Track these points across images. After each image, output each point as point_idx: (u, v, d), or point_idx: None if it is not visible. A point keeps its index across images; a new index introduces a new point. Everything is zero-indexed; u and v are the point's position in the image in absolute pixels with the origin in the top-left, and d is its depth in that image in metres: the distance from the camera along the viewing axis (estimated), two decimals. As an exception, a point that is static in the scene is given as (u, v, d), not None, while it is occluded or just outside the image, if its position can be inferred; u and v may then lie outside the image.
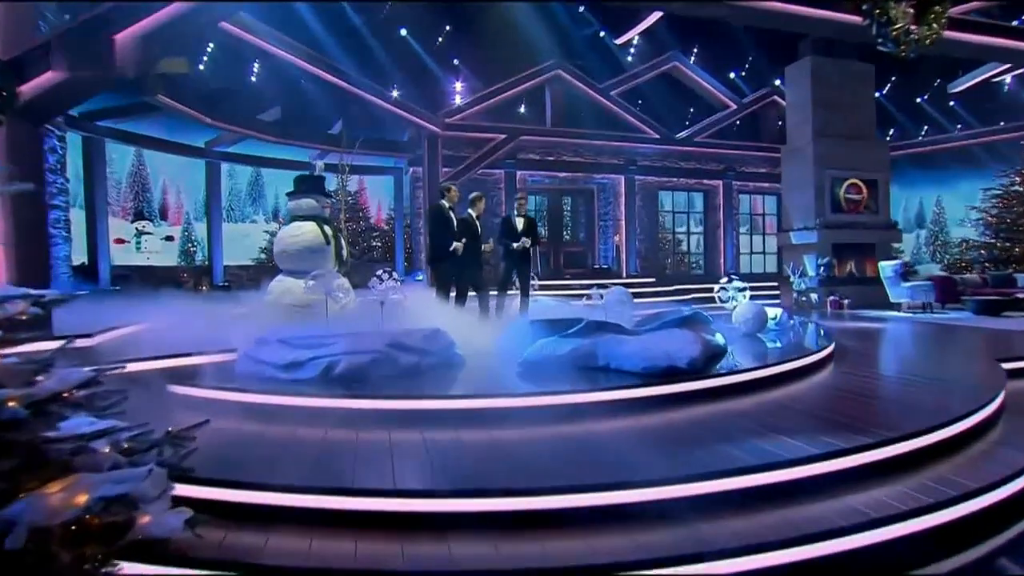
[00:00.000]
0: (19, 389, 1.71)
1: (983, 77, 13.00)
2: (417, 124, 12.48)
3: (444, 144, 12.93)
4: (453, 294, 6.22)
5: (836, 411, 3.70)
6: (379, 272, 4.69)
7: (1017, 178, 13.87)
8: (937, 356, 6.23)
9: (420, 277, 12.78)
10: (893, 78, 16.40)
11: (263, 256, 13.09)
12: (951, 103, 17.08)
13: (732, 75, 16.60)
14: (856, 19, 6.61)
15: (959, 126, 16.90)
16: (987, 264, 13.00)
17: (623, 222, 14.59)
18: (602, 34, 15.28)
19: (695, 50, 15.74)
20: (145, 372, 3.93)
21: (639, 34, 14.18)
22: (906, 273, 10.35)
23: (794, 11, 6.93)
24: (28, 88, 3.71)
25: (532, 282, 8.14)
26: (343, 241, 6.17)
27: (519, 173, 13.68)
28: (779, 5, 6.77)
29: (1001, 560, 2.53)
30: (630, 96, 14.91)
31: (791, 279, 11.63)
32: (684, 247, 15.89)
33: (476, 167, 12.88)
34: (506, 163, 13.47)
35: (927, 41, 6.22)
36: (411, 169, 13.71)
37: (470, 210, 6.24)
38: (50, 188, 7.66)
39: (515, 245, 6.29)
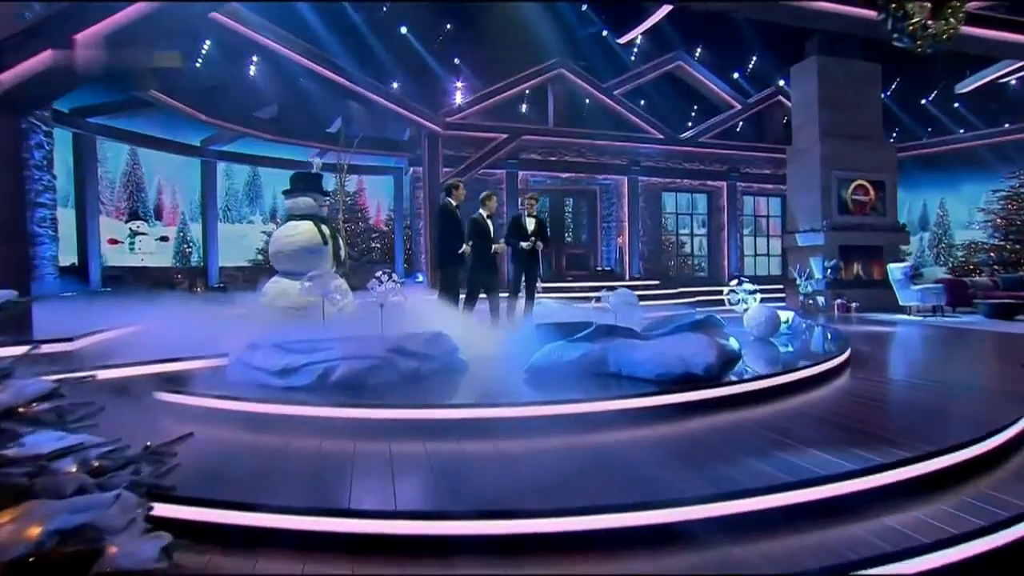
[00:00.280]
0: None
1: (991, 77, 12.84)
2: (417, 123, 12.28)
3: (445, 144, 12.73)
4: (463, 296, 5.98)
5: (861, 420, 3.50)
6: (378, 273, 4.48)
7: None
8: (957, 361, 6.04)
9: (420, 279, 12.57)
10: (898, 79, 16.24)
11: (260, 257, 12.87)
12: (956, 104, 16.93)
13: (736, 75, 16.43)
14: (870, 14, 6.44)
15: (962, 130, 16.75)
16: (996, 267, 12.82)
17: (626, 223, 14.39)
18: (605, 33, 15.11)
19: (698, 50, 15.57)
20: (130, 378, 3.71)
21: (642, 33, 14.02)
22: (914, 276, 10.17)
23: (806, 5, 6.74)
24: (6, 77, 3.50)
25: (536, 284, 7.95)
26: (341, 241, 5.96)
27: (521, 173, 13.48)
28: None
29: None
30: (633, 96, 14.74)
31: (797, 282, 11.44)
32: (688, 249, 15.69)
33: (477, 167, 12.69)
34: (508, 163, 13.28)
35: (944, 36, 6.05)
36: (411, 169, 13.50)
37: (481, 210, 6.02)
38: (36, 185, 7.45)
39: (523, 245, 6.07)
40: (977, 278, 11.17)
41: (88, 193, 10.17)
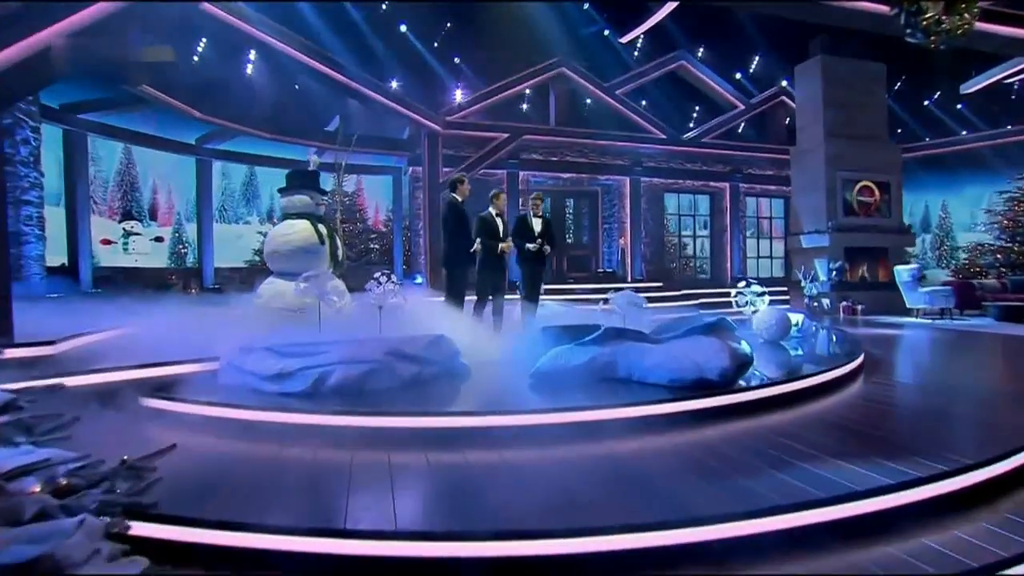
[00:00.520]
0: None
1: (997, 78, 12.73)
2: (417, 121, 12.11)
3: (445, 143, 12.57)
4: (472, 299, 5.76)
5: (883, 428, 3.34)
6: (377, 275, 4.30)
7: None
8: (973, 366, 5.88)
9: (419, 280, 12.40)
10: (901, 80, 16.12)
11: (256, 258, 12.68)
12: (958, 106, 16.83)
13: (738, 76, 16.29)
14: (882, 9, 6.29)
15: (964, 131, 16.65)
16: (1003, 269, 12.69)
17: (628, 225, 14.23)
18: (606, 32, 14.95)
19: (701, 50, 15.42)
20: (115, 384, 3.52)
21: (644, 33, 13.87)
22: (919, 278, 10.03)
23: (818, -1, 6.57)
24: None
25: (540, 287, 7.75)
26: (339, 241, 5.77)
27: (522, 174, 13.32)
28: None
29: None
30: (635, 95, 14.59)
31: (802, 284, 11.28)
32: (690, 251, 15.54)
33: (478, 167, 12.52)
34: (508, 163, 13.12)
35: (958, 32, 5.89)
36: (410, 169, 13.32)
37: (491, 208, 5.83)
38: (22, 182, 7.24)
39: (529, 246, 5.88)
40: (985, 280, 11.02)
41: (79, 192, 9.94)
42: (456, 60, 14.81)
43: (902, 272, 9.84)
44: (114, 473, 1.85)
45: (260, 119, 11.97)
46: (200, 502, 2.19)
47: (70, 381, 3.23)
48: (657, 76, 14.67)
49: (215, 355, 3.95)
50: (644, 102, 14.89)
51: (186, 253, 12.80)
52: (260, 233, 12.65)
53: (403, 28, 13.77)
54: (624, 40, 14.56)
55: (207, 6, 7.69)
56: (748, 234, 15.72)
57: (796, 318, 6.30)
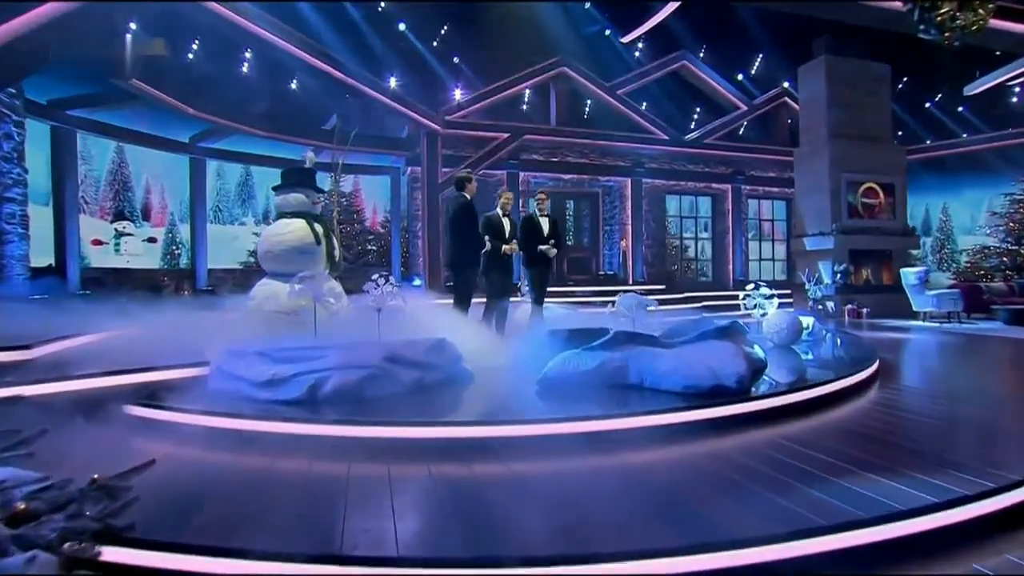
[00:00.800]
0: None
1: (1000, 80, 12.64)
2: (416, 120, 11.93)
3: (444, 143, 12.39)
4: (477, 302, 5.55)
5: (912, 438, 3.17)
6: (375, 276, 4.11)
7: None
8: (991, 371, 5.73)
9: (417, 282, 12.21)
10: (903, 81, 16.02)
11: (251, 259, 12.46)
12: (959, 108, 16.75)
13: (740, 76, 16.17)
14: (895, 5, 6.14)
15: (965, 134, 16.57)
16: (1009, 272, 12.57)
17: (629, 227, 14.07)
18: (608, 32, 14.81)
19: (703, 50, 15.29)
20: (97, 390, 3.31)
21: (646, 33, 13.73)
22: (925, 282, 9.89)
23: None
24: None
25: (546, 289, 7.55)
26: (335, 241, 5.56)
27: (522, 174, 13.15)
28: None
29: None
30: (637, 96, 14.42)
31: (806, 287, 11.12)
32: (691, 253, 15.38)
33: (478, 167, 12.33)
34: (509, 163, 12.94)
35: (973, 28, 5.75)
36: (409, 169, 13.14)
37: (498, 209, 5.63)
38: (4, 179, 7.00)
39: (542, 249, 5.68)
40: (992, 283, 10.89)
41: (67, 190, 9.66)
42: (455, 60, 14.64)
43: (909, 275, 9.70)
44: (82, 494, 1.65)
45: (256, 117, 11.75)
46: (181, 524, 2.00)
47: (44, 389, 3.03)
48: (659, 76, 14.53)
49: (205, 360, 3.75)
50: (645, 103, 14.73)
51: (180, 254, 12.55)
52: (255, 234, 12.42)
53: (402, 27, 13.59)
54: (625, 40, 14.42)
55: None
56: (749, 236, 15.59)
57: (807, 321, 6.13)
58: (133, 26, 7.76)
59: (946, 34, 5.74)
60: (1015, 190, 13.80)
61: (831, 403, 3.84)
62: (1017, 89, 14.90)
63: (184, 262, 12.57)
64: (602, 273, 13.98)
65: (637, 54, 15.25)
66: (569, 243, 14.81)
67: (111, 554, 1.77)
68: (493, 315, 5.48)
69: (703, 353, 3.70)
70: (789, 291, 12.37)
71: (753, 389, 3.65)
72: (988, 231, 14.81)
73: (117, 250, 11.47)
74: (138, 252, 11.80)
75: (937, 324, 9.22)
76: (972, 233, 17.94)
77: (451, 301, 5.61)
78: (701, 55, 15.18)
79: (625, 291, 5.35)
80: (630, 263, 13.92)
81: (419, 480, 2.52)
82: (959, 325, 9.03)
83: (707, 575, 1.78)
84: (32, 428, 1.88)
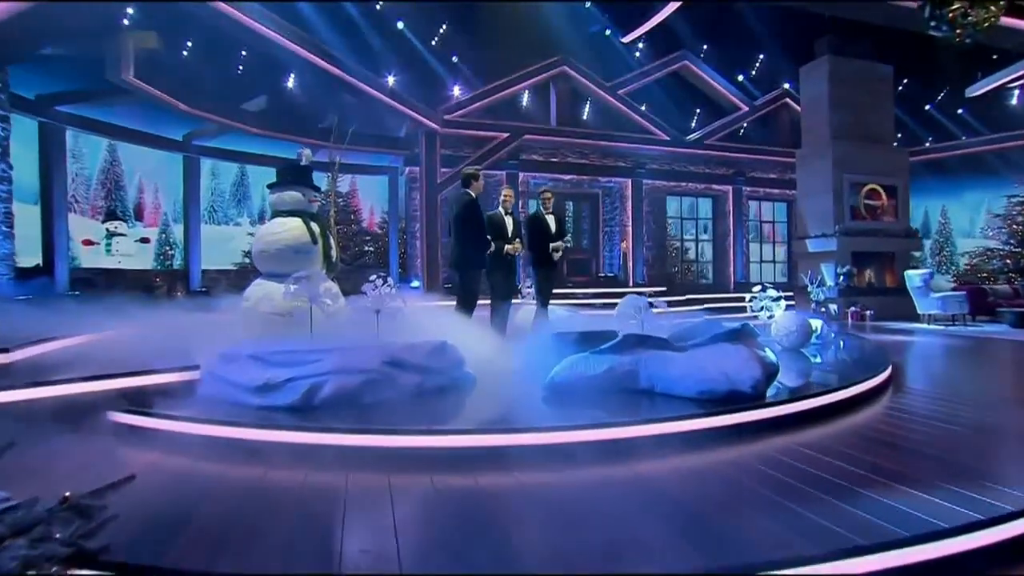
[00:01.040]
0: None
1: (1003, 81, 12.59)
2: (414, 119, 11.77)
3: (443, 143, 12.24)
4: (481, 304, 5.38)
5: (940, 447, 3.02)
6: (373, 277, 3.94)
7: None
8: (1009, 375, 5.59)
9: (415, 284, 12.04)
10: (903, 83, 15.98)
11: (246, 260, 12.26)
12: (959, 111, 16.72)
13: (740, 77, 16.08)
14: (908, 4, 6.03)
15: (964, 136, 16.53)
16: (1012, 274, 12.50)
17: (630, 228, 13.93)
18: (608, 32, 14.69)
19: (703, 50, 15.19)
20: (78, 396, 3.13)
21: (647, 33, 13.63)
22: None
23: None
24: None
25: (532, 290, 7.40)
26: (332, 240, 5.38)
27: (522, 175, 13.00)
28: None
29: None
30: (637, 96, 14.30)
31: (809, 289, 11.01)
32: (692, 255, 15.27)
33: (477, 167, 12.19)
34: (508, 164, 12.79)
35: (985, 24, 5.64)
36: (407, 169, 12.98)
37: (500, 208, 5.47)
38: (-13, 175, 6.80)
39: (554, 246, 5.51)
40: (996, 286, 10.81)
41: (55, 188, 9.40)
42: (454, 59, 14.49)
43: (913, 277, 9.59)
44: (51, 515, 1.48)
45: (251, 115, 11.56)
46: (164, 544, 1.83)
47: (20, 395, 2.85)
48: (659, 76, 14.43)
49: (195, 364, 3.58)
50: (646, 104, 14.61)
51: (173, 255, 12.33)
52: (250, 235, 12.22)
53: (400, 25, 13.43)
54: (626, 40, 14.31)
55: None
56: (750, 238, 15.50)
57: (815, 323, 5.99)
58: (127, 21, 7.58)
59: (957, 31, 5.64)
60: (1019, 192, 13.73)
61: (846, 408, 3.70)
62: (1016, 91, 14.86)
63: (178, 263, 12.36)
64: (602, 275, 13.84)
65: (638, 54, 15.14)
66: (569, 244, 14.66)
67: (81, 580, 1.61)
68: (496, 317, 5.32)
69: (716, 357, 3.54)
70: (791, 293, 12.25)
71: (777, 394, 3.52)
72: (991, 232, 14.74)
73: (108, 250, 11.24)
74: (130, 252, 11.57)
75: (942, 327, 9.11)
76: (971, 236, 17.90)
77: (451, 303, 5.44)
78: (702, 56, 15.09)
79: (637, 292, 5.20)
80: (630, 265, 13.79)
81: (422, 492, 2.37)
82: (964, 328, 8.93)
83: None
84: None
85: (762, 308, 6.30)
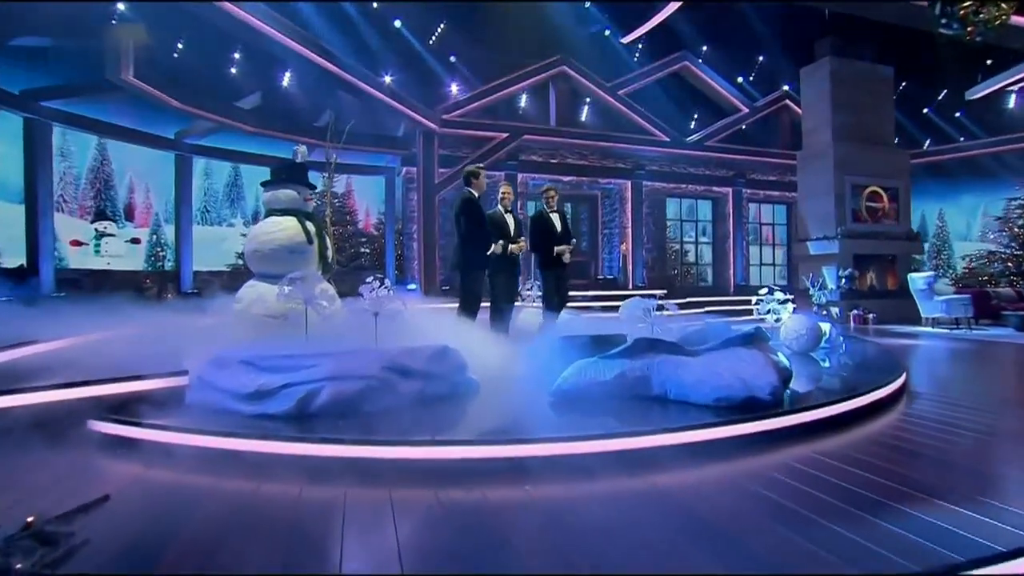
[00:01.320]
0: None
1: (1002, 84, 12.57)
2: (412, 119, 11.61)
3: (441, 143, 12.08)
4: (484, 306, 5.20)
5: (969, 457, 2.89)
6: (369, 279, 3.77)
7: None
8: (1022, 379, 5.46)
9: (412, 286, 11.85)
10: (902, 85, 15.97)
11: (240, 262, 12.04)
12: (957, 114, 16.73)
13: (740, 79, 16.02)
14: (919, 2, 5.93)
15: (962, 138, 16.54)
16: (1014, 277, 12.45)
17: (629, 230, 13.80)
18: (607, 32, 14.59)
19: (703, 51, 15.11)
20: (58, 404, 2.94)
21: (646, 33, 13.54)
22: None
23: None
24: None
25: (534, 293, 7.23)
26: (328, 240, 5.20)
27: (520, 175, 12.85)
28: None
29: None
30: (637, 97, 14.19)
31: (811, 292, 10.91)
32: (691, 257, 15.16)
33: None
34: (507, 164, 12.64)
35: (996, 23, 5.55)
36: (404, 169, 12.81)
37: (500, 206, 5.30)
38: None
39: (559, 250, 5.34)
40: (999, 289, 10.74)
41: (40, 187, 9.10)
42: (452, 59, 14.34)
43: (917, 280, 9.50)
44: (10, 543, 1.30)
45: (245, 112, 11.34)
46: (143, 569, 1.65)
47: (-8, 404, 2.66)
48: (659, 77, 14.33)
49: (183, 369, 3.39)
50: (646, 105, 14.50)
51: (164, 256, 12.09)
52: (244, 235, 12.00)
53: (398, 24, 13.27)
54: (626, 40, 14.22)
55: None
56: (749, 240, 15.41)
57: (824, 327, 5.86)
58: (117, 14, 7.36)
59: (968, 29, 5.54)
60: (1019, 194, 13.69)
61: (864, 415, 3.56)
62: (1014, 94, 14.86)
63: (169, 264, 12.11)
64: (601, 277, 13.70)
65: (636, 57, 15.05)
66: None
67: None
68: (496, 320, 5.15)
69: (731, 362, 3.39)
70: (792, 296, 12.15)
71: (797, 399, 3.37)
72: (992, 235, 14.71)
73: (97, 251, 10.98)
74: (120, 253, 11.31)
75: (947, 330, 9.02)
76: (967, 239, 17.90)
77: (449, 305, 5.27)
78: (701, 57, 15.00)
79: (646, 295, 5.05)
80: (630, 267, 13.66)
81: (426, 508, 2.20)
82: (969, 331, 8.83)
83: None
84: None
85: (769, 311, 6.17)
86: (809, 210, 11.73)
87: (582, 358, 3.57)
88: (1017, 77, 11.95)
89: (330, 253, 5.15)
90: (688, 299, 12.46)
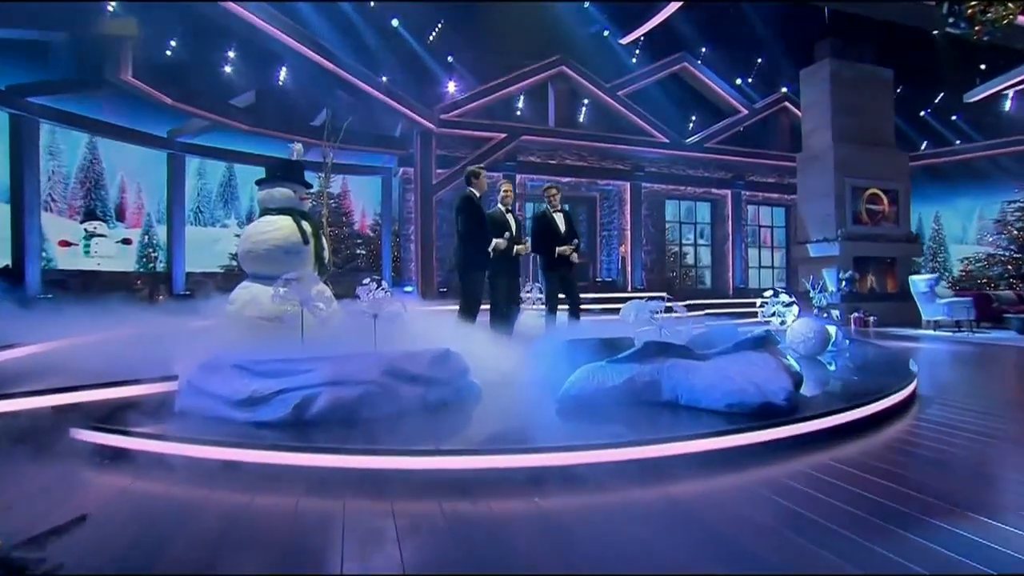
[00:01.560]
0: None
1: (1002, 87, 12.59)
2: (409, 118, 11.48)
3: (439, 143, 11.96)
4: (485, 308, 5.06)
5: (995, 465, 2.79)
6: (366, 281, 3.63)
7: None
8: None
9: (409, 289, 11.70)
10: (899, 88, 16.00)
11: (234, 263, 11.85)
12: (953, 117, 16.76)
13: (739, 81, 15.98)
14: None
15: (958, 141, 16.57)
16: (1013, 280, 12.44)
17: (628, 232, 13.71)
18: (606, 33, 14.51)
19: (702, 52, 15.06)
20: (38, 411, 2.79)
21: (645, 34, 13.48)
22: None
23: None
24: None
25: (534, 295, 7.10)
26: (324, 240, 5.06)
27: (519, 176, 12.74)
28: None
29: None
30: (636, 98, 14.12)
31: (811, 294, 10.84)
32: (690, 260, 15.08)
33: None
34: (505, 165, 12.52)
35: (1004, 22, 5.49)
36: (401, 170, 12.67)
37: (500, 205, 5.18)
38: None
39: (561, 250, 5.22)
40: (1000, 292, 10.71)
41: (27, 185, 8.84)
42: (450, 59, 14.23)
43: (919, 283, 9.45)
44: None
45: (239, 110, 11.15)
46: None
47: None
48: (659, 78, 14.27)
49: (173, 374, 3.25)
50: (644, 106, 14.44)
51: (156, 257, 11.87)
52: (238, 236, 11.79)
53: (395, 23, 13.14)
54: (625, 41, 14.15)
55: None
56: (748, 242, 15.37)
57: (831, 330, 5.77)
58: (110, 8, 7.17)
59: (976, 28, 5.48)
60: (1018, 197, 13.70)
61: (880, 421, 3.46)
62: (1010, 97, 14.89)
63: (161, 265, 11.90)
64: (599, 280, 13.60)
65: (635, 58, 14.98)
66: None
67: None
68: (499, 323, 5.02)
69: (744, 366, 3.28)
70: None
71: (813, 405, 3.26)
72: (991, 237, 14.72)
73: (87, 252, 10.75)
74: (110, 254, 11.08)
75: (949, 333, 8.96)
76: (963, 243, 17.92)
77: (447, 308, 5.15)
78: (700, 58, 14.95)
79: (652, 297, 4.93)
80: (629, 270, 13.56)
81: (431, 521, 2.09)
82: (971, 334, 8.78)
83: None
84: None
85: (774, 313, 6.08)
86: (809, 212, 11.68)
87: (588, 362, 3.45)
88: (1017, 79, 11.95)
89: (327, 254, 5.00)
90: (687, 302, 12.39)
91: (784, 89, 15.03)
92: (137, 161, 11.45)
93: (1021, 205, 13.62)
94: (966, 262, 16.04)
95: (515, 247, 5.03)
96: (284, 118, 11.59)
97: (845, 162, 11.03)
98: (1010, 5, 5.45)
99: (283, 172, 4.85)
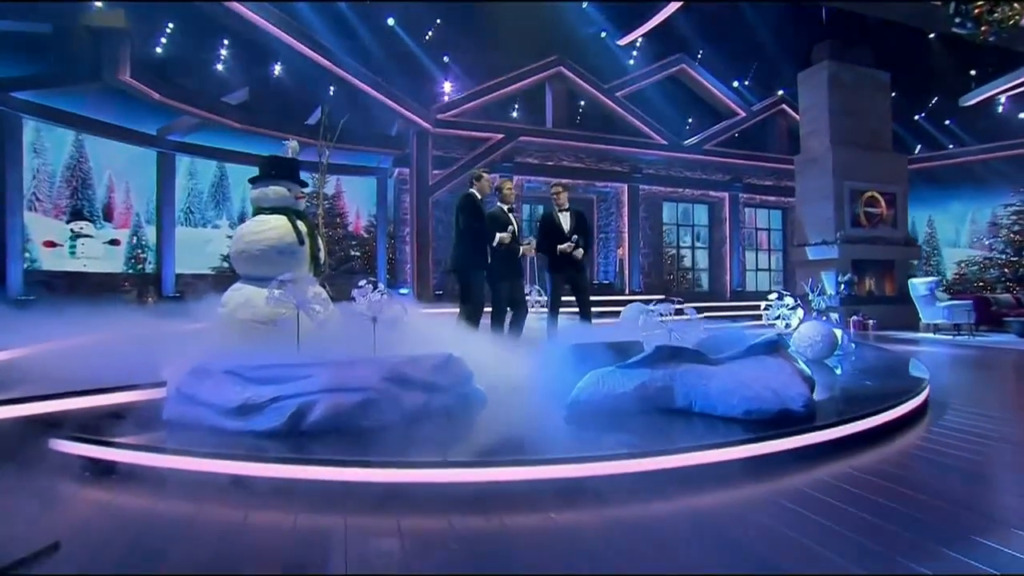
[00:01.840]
0: None
1: (997, 91, 12.64)
2: (406, 117, 11.33)
3: (435, 143, 11.81)
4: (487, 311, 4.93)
5: (1017, 472, 2.67)
6: (362, 282, 3.48)
7: None
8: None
9: (405, 291, 11.53)
10: (894, 91, 16.07)
11: (225, 264, 11.62)
12: (947, 121, 16.85)
13: (736, 83, 15.98)
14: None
15: (951, 145, 16.66)
16: (1010, 283, 12.48)
17: (626, 234, 13.62)
18: (604, 34, 14.45)
19: (700, 54, 15.04)
20: (14, 420, 2.62)
21: (643, 36, 13.43)
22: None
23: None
24: None
25: (537, 298, 6.97)
26: (320, 241, 4.89)
27: (516, 178, 12.62)
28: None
29: None
30: (634, 100, 14.06)
31: (810, 297, 10.80)
32: (687, 262, 15.03)
33: (470, 169, 11.79)
34: (502, 166, 12.40)
35: (1010, 22, 5.44)
36: (396, 170, 12.51)
37: (500, 204, 5.05)
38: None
39: (563, 247, 5.09)
40: (998, 295, 10.72)
41: (9, 183, 8.55)
42: (446, 59, 14.10)
43: (919, 286, 9.42)
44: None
45: (231, 108, 10.93)
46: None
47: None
48: (657, 80, 14.23)
49: (161, 380, 3.08)
50: (642, 108, 14.38)
51: (145, 258, 11.61)
52: (230, 237, 11.56)
53: (391, 22, 13.00)
54: (623, 42, 14.10)
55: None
56: (745, 245, 15.35)
57: (837, 334, 5.68)
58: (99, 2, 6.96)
59: (982, 28, 5.43)
60: (1014, 201, 13.76)
61: (898, 428, 3.36)
62: (1003, 101, 14.98)
63: (151, 267, 11.65)
64: (596, 282, 13.48)
65: (632, 61, 14.93)
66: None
67: None
68: (500, 326, 4.88)
69: (759, 372, 3.16)
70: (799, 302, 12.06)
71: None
72: (987, 241, 14.78)
73: (73, 252, 10.48)
74: (97, 255, 10.80)
75: (949, 337, 8.93)
76: (956, 246, 18.01)
77: (446, 310, 5.00)
78: (698, 60, 14.92)
79: (658, 300, 4.80)
80: (626, 272, 13.47)
81: (439, 538, 1.95)
82: (971, 338, 8.75)
83: None
84: None
85: (778, 317, 5.99)
86: (807, 215, 11.65)
87: (596, 367, 3.31)
88: (1012, 84, 12.00)
89: (322, 255, 4.84)
90: (686, 305, 12.32)
91: (781, 92, 15.03)
92: (126, 160, 11.19)
93: (1016, 208, 13.68)
94: (961, 265, 16.10)
95: (521, 248, 4.91)
96: (278, 116, 11.39)
97: (844, 165, 11.02)
98: (1016, 5, 5.41)
99: (277, 170, 4.68)
